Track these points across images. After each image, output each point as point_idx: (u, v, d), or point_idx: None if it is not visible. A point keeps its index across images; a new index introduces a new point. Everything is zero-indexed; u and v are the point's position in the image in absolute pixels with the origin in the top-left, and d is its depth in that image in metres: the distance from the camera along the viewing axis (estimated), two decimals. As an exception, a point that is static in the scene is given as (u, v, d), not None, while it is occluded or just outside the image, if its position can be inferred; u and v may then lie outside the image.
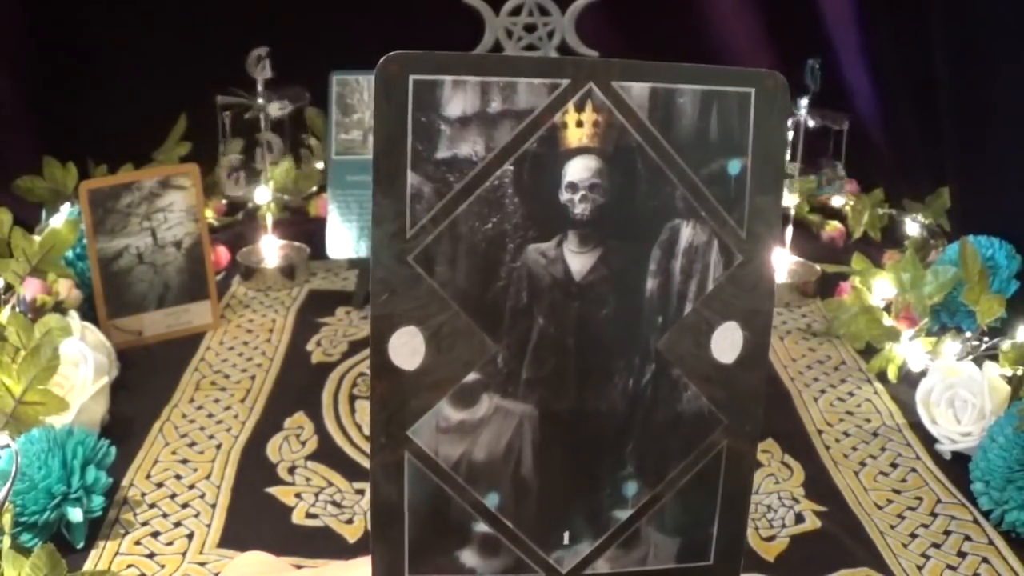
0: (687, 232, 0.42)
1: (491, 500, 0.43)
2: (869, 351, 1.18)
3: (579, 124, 0.40)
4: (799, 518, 0.89)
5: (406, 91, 0.38)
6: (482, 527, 0.43)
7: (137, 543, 0.84)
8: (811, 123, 1.31)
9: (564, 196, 0.41)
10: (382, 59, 0.38)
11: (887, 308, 1.20)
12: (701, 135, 0.42)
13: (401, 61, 0.38)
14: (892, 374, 1.13)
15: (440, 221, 0.40)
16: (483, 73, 0.39)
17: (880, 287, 1.20)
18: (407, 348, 0.40)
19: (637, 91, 0.41)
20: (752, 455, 0.45)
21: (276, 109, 1.33)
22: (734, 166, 0.42)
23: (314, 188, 1.52)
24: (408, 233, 0.40)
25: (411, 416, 0.41)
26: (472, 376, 0.41)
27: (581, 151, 0.40)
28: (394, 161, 0.39)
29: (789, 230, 1.37)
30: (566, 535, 0.44)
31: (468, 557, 0.43)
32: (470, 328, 0.41)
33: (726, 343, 0.44)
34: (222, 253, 1.39)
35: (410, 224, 0.39)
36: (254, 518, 0.88)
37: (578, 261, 0.41)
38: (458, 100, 0.39)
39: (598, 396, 0.43)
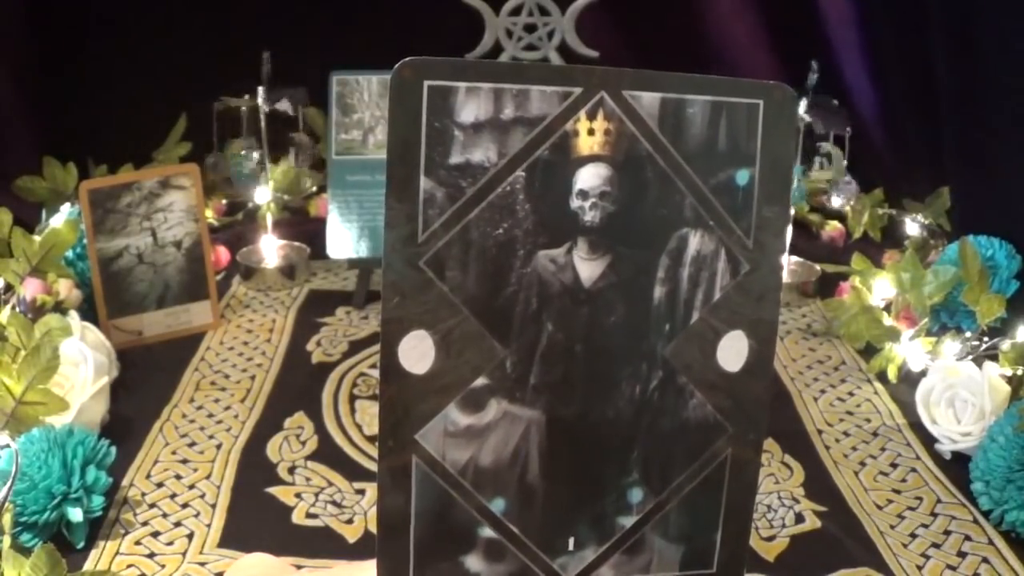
0: (695, 241, 0.42)
1: (497, 505, 0.43)
2: (869, 351, 1.18)
3: (590, 132, 0.40)
4: (799, 518, 0.89)
5: (420, 97, 0.38)
6: (487, 532, 0.43)
7: (137, 543, 0.84)
8: (813, 126, 1.30)
9: (574, 203, 0.41)
10: (397, 65, 0.38)
11: (887, 308, 1.20)
12: (710, 145, 0.42)
13: (415, 67, 0.38)
14: (892, 374, 1.13)
15: (452, 226, 0.40)
16: (496, 80, 0.39)
17: (880, 287, 1.20)
18: (416, 352, 0.40)
19: (648, 100, 0.41)
20: (756, 464, 0.46)
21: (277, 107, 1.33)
22: (742, 176, 0.42)
23: (314, 188, 1.52)
24: (420, 238, 0.40)
25: (419, 420, 0.41)
26: (480, 381, 0.41)
27: (592, 159, 0.40)
28: (407, 166, 0.39)
29: (789, 230, 1.36)
30: (571, 541, 0.44)
31: (473, 562, 0.43)
32: (479, 333, 0.41)
33: (732, 351, 0.44)
34: (222, 253, 1.39)
35: (422, 229, 0.40)
36: (254, 518, 0.88)
37: (587, 268, 0.41)
38: (471, 106, 0.39)
39: (605, 402, 0.43)
